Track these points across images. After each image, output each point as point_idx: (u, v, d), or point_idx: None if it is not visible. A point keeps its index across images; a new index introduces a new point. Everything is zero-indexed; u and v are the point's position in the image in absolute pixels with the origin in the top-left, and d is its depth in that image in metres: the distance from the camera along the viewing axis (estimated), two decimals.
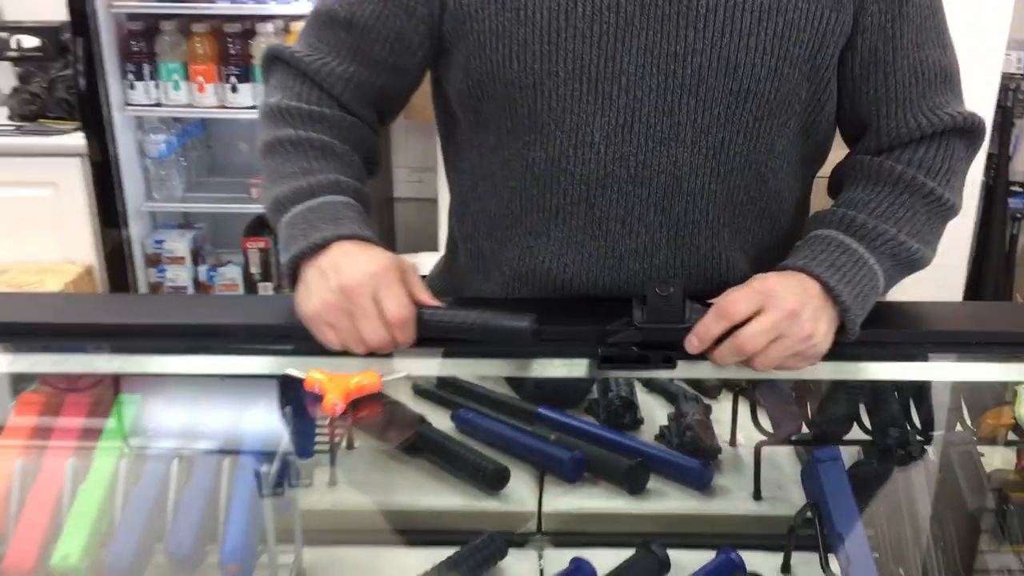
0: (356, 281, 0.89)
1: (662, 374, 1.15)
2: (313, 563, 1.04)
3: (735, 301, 0.91)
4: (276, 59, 1.11)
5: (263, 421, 0.99)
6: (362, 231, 0.97)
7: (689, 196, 1.05)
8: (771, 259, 1.10)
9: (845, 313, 0.94)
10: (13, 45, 3.04)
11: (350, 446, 1.22)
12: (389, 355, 0.92)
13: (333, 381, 0.88)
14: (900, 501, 0.96)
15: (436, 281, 1.30)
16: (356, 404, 0.88)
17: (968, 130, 1.06)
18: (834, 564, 0.97)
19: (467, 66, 1.05)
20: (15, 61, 3.04)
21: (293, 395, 0.98)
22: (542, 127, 1.03)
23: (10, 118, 2.85)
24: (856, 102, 1.07)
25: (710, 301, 0.94)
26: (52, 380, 1.04)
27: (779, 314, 0.90)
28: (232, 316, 1.06)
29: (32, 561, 0.87)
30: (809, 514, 1.00)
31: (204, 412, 1.03)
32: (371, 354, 0.91)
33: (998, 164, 3.11)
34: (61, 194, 2.70)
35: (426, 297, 0.93)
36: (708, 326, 0.92)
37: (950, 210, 1.05)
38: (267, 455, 0.92)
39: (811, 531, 0.99)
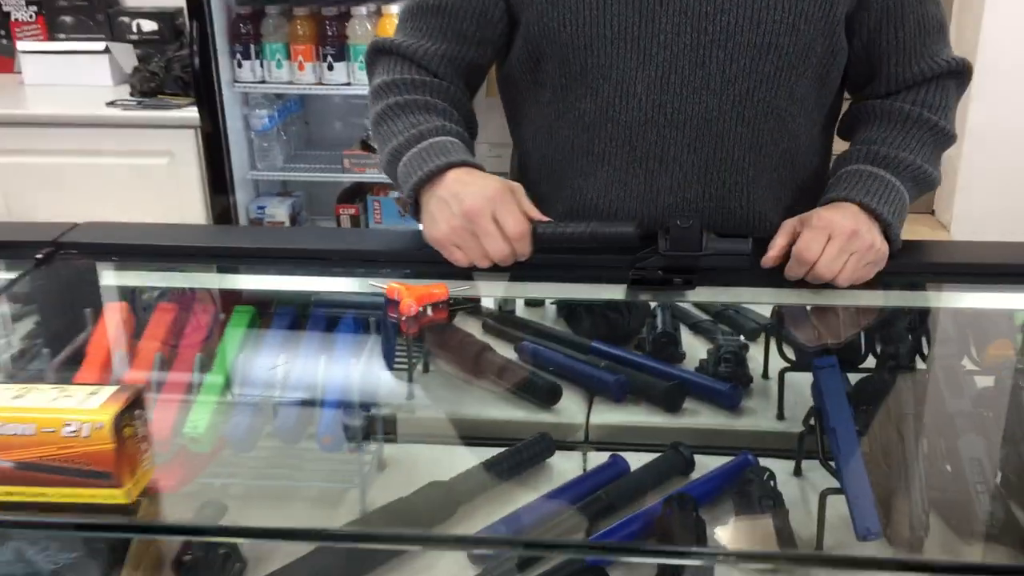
0: (476, 205, 1.07)
1: (704, 316, 1.33)
2: (391, 455, 1.22)
3: (807, 245, 1.10)
4: (378, 51, 1.30)
5: (353, 327, 1.19)
6: (471, 159, 1.15)
7: (718, 138, 1.22)
8: (791, 195, 1.28)
9: (888, 228, 1.14)
10: (134, 29, 3.35)
11: (426, 369, 1.42)
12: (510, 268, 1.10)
13: (409, 289, 1.07)
14: (891, 408, 1.11)
15: None
16: (430, 308, 1.07)
17: (959, 72, 1.24)
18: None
19: (527, 33, 1.23)
20: (135, 43, 3.35)
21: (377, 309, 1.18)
22: (591, 81, 1.21)
23: (131, 94, 3.12)
24: (871, 53, 1.24)
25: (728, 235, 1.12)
26: (184, 293, 1.27)
27: (843, 238, 1.09)
28: (331, 243, 1.28)
29: (168, 429, 1.08)
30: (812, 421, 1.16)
31: (306, 320, 1.24)
32: (495, 268, 1.10)
33: None
34: (176, 162, 2.95)
35: (537, 214, 1.12)
36: (794, 270, 1.11)
37: (950, 138, 1.24)
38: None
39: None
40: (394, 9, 2.90)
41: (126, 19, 3.34)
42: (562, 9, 1.19)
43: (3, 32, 3.41)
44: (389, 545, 0.98)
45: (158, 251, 1.29)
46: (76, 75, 3.23)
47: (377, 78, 1.28)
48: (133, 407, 0.75)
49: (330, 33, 2.95)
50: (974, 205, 3.08)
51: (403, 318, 1.05)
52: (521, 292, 1.42)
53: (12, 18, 3.39)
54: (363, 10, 2.92)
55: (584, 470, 1.21)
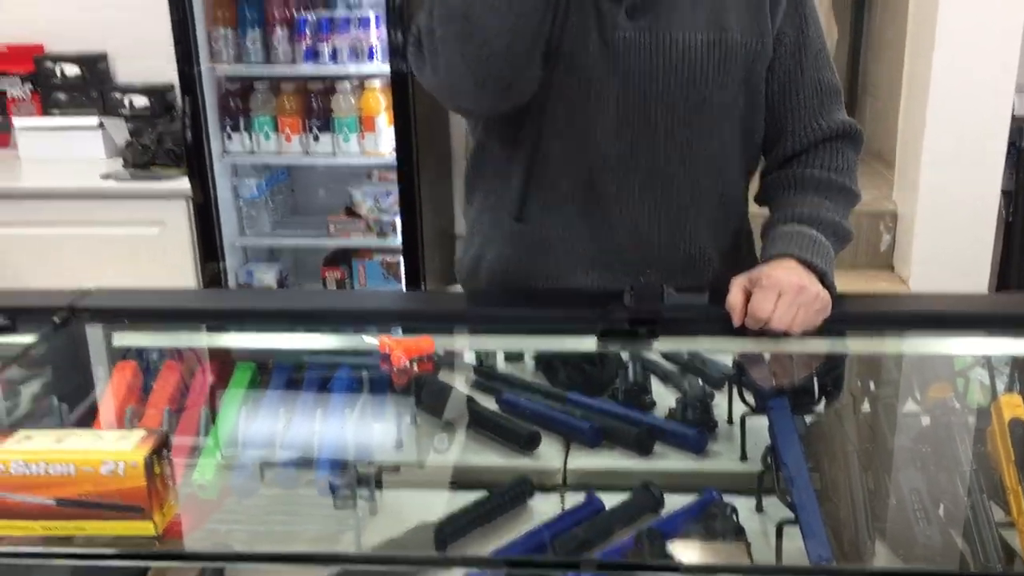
0: None
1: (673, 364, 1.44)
2: (383, 501, 1.31)
3: (760, 304, 1.25)
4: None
5: (348, 380, 1.30)
6: None
7: (665, 182, 1.40)
8: (726, 235, 1.46)
9: (824, 277, 1.29)
10: (126, 104, 3.49)
11: (413, 421, 1.51)
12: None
13: (398, 343, 1.18)
14: (840, 445, 1.22)
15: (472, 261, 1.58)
16: (417, 362, 1.18)
17: (853, 134, 1.43)
18: None
19: None
20: (127, 118, 3.48)
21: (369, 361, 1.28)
22: (560, 128, 1.38)
23: (124, 166, 3.24)
24: (777, 113, 1.43)
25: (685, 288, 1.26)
26: (190, 352, 1.37)
27: (792, 293, 1.25)
28: (325, 303, 1.39)
29: (178, 478, 1.17)
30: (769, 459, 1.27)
31: (303, 375, 1.34)
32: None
33: (1016, 200, 3.30)
34: (168, 231, 3.07)
35: None
36: (751, 325, 1.27)
37: (856, 196, 1.42)
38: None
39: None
40: (377, 84, 3.05)
41: (118, 95, 3.48)
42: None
43: None
44: (384, 566, 1.06)
45: (166, 314, 1.40)
46: (70, 149, 3.37)
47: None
48: (160, 448, 0.85)
49: (315, 107, 3.10)
50: (930, 260, 3.23)
51: (394, 370, 1.15)
52: (502, 345, 1.52)
53: (8, 95, 3.52)
54: (347, 85, 3.07)
55: (563, 509, 1.31)
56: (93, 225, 3.05)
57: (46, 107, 3.51)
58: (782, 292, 1.25)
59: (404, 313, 1.30)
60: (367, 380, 1.30)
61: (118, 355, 1.36)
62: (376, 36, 2.97)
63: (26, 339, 1.35)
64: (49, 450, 0.84)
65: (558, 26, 1.32)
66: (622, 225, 1.42)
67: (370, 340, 1.24)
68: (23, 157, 3.38)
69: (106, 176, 3.15)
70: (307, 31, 2.98)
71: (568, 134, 1.39)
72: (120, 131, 3.46)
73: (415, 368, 1.19)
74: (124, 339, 1.40)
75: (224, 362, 1.37)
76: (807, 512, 1.14)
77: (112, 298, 1.42)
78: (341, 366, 1.30)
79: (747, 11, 1.37)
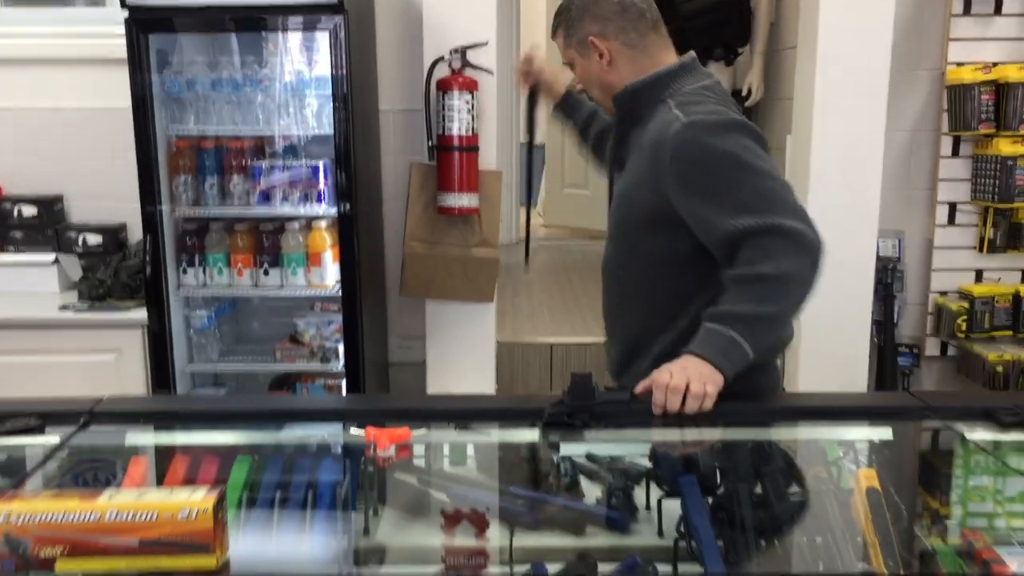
0: None
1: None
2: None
3: (654, 400, 1.64)
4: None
5: (334, 467, 1.56)
6: None
7: (617, 281, 1.89)
8: (661, 323, 1.87)
9: (715, 364, 1.63)
10: (79, 242, 3.72)
11: (375, 512, 1.77)
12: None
13: (381, 431, 1.46)
14: (737, 514, 1.53)
15: None
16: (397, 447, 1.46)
17: (763, 231, 1.68)
18: None
19: None
20: (80, 255, 3.72)
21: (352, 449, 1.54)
22: None
23: (80, 299, 3.45)
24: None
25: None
26: (191, 449, 1.61)
27: (670, 387, 1.62)
28: (316, 404, 1.66)
29: None
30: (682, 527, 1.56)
31: (295, 464, 1.60)
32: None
33: (885, 330, 3.76)
34: (123, 358, 3.28)
35: None
36: (657, 411, 1.64)
37: (770, 276, 1.68)
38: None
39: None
40: (323, 224, 3.38)
41: (72, 234, 3.72)
42: None
43: None
44: None
45: (171, 415, 1.65)
46: (25, 283, 3.56)
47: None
48: (221, 500, 1.11)
49: (266, 244, 3.39)
50: (815, 383, 3.63)
51: (380, 454, 1.42)
52: (456, 440, 1.80)
53: None
54: (296, 224, 3.38)
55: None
56: (51, 353, 3.23)
57: (2, 244, 3.71)
58: (658, 385, 1.63)
59: (379, 411, 1.57)
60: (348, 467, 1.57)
61: (135, 451, 1.60)
62: (324, 183, 3.31)
63: (53, 439, 1.58)
64: (136, 502, 1.09)
65: None
66: (604, 308, 2.06)
67: (356, 431, 1.51)
68: None
69: (64, 307, 3.35)
70: (261, 178, 3.30)
71: None
72: (73, 266, 3.68)
73: (393, 455, 1.46)
74: (136, 438, 1.64)
75: (224, 455, 1.61)
76: (712, 565, 1.43)
77: (124, 404, 1.66)
78: (326, 456, 1.56)
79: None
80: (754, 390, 1.80)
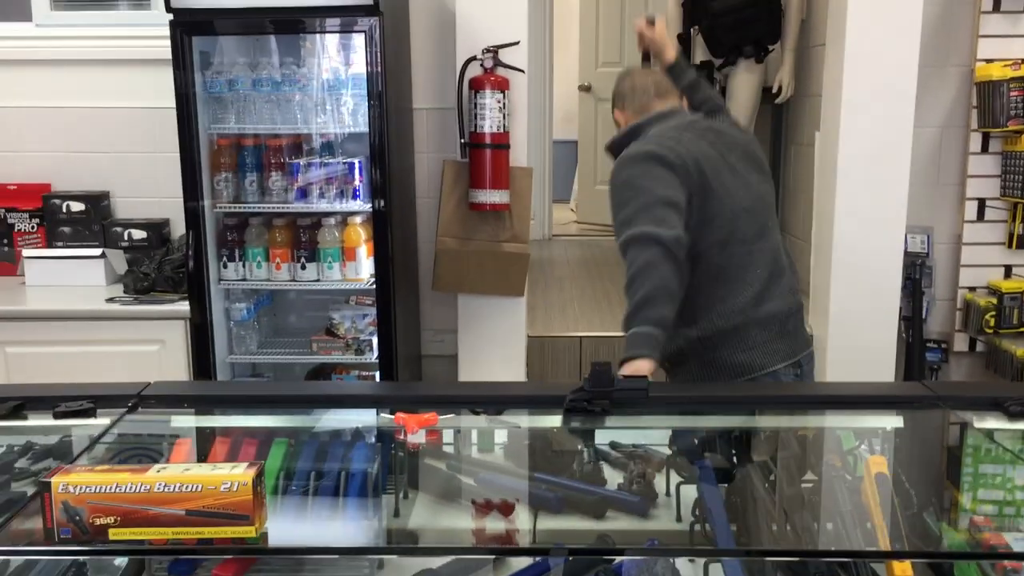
0: None
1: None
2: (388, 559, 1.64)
3: None
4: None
5: (366, 451, 1.65)
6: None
7: None
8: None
9: (640, 357, 1.87)
10: (125, 237, 3.87)
11: (405, 495, 1.85)
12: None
13: (410, 416, 1.54)
14: (751, 496, 1.59)
15: None
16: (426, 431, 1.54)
17: (631, 240, 2.07)
18: None
19: None
20: (126, 249, 3.86)
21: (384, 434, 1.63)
22: None
23: (124, 292, 3.58)
24: None
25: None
26: (231, 431, 1.71)
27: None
28: (350, 391, 1.75)
29: None
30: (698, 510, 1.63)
31: (330, 448, 1.69)
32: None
33: (913, 325, 3.79)
34: (167, 349, 3.40)
35: None
36: None
37: (636, 270, 2.04)
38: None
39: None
40: (358, 220, 3.48)
41: (119, 229, 3.86)
42: None
43: (6, 241, 3.88)
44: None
45: (214, 400, 1.74)
46: (73, 276, 3.71)
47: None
48: (260, 474, 1.20)
49: (303, 239, 3.49)
50: (842, 377, 3.66)
51: (410, 438, 1.51)
52: (484, 425, 1.89)
53: (16, 229, 3.88)
54: (332, 220, 3.49)
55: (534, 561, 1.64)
56: (98, 344, 3.36)
57: (51, 239, 3.86)
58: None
59: (410, 398, 1.66)
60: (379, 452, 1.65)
61: (176, 433, 1.70)
62: (359, 179, 3.40)
63: (103, 421, 1.69)
64: (183, 475, 1.18)
65: None
66: None
67: (386, 415, 1.60)
68: (29, 284, 3.71)
69: (110, 300, 3.48)
70: (298, 175, 3.41)
71: None
72: (119, 260, 3.82)
73: (423, 439, 1.55)
74: (181, 421, 1.74)
75: (263, 438, 1.71)
76: (725, 544, 1.50)
77: (170, 388, 1.76)
78: (359, 439, 1.65)
79: None
80: (721, 368, 2.17)
